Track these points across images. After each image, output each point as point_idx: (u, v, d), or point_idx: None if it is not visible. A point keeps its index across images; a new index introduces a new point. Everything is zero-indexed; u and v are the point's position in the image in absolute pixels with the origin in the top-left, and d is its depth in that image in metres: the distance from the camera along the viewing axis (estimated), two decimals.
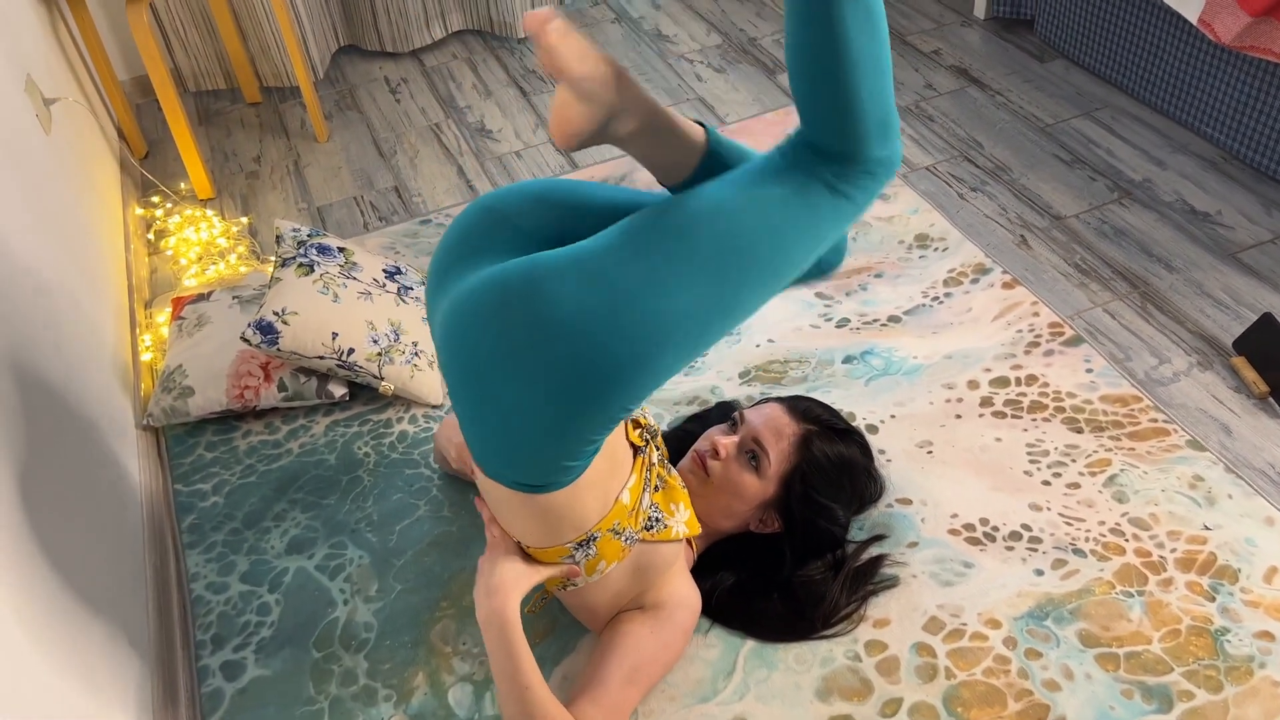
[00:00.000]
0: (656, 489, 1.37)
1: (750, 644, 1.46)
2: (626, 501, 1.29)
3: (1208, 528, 1.56)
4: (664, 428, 1.74)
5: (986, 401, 1.79)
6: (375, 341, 1.82)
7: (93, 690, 1.22)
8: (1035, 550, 1.55)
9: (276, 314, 1.78)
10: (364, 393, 1.91)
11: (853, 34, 1.04)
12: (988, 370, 1.85)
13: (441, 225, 2.35)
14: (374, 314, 1.86)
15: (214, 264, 2.28)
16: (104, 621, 1.33)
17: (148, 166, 2.65)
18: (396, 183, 2.54)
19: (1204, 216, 2.17)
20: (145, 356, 2.02)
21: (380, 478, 1.75)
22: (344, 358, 1.79)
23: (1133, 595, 1.48)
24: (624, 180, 2.43)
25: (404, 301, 1.93)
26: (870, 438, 1.72)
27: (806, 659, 1.43)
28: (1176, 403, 1.78)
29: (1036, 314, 1.95)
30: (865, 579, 1.50)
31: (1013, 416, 1.76)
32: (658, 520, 1.35)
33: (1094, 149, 2.39)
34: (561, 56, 1.04)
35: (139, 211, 2.45)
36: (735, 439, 1.48)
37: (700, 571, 1.47)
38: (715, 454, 1.46)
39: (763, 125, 2.59)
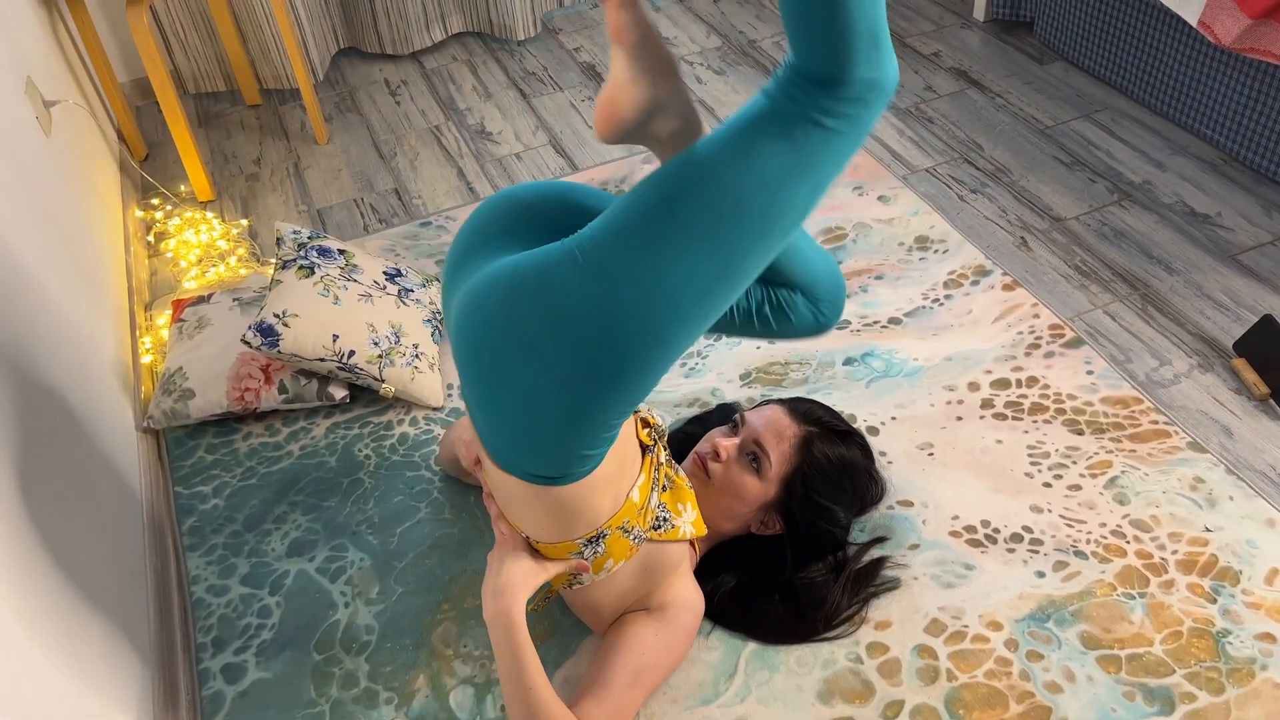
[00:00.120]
0: (664, 489, 1.38)
1: (752, 646, 1.46)
2: (636, 500, 1.30)
3: (1209, 529, 1.56)
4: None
5: (987, 403, 1.79)
6: (376, 344, 1.82)
7: (94, 692, 1.22)
8: (1036, 552, 1.55)
9: (277, 316, 1.78)
10: (364, 395, 1.91)
11: None
12: (988, 372, 1.85)
13: (442, 227, 2.35)
14: (375, 316, 1.86)
15: (214, 266, 2.28)
16: (105, 624, 1.33)
17: (148, 169, 2.65)
18: (396, 185, 2.54)
19: (1204, 218, 2.17)
20: (145, 359, 2.02)
21: (381, 480, 1.75)
22: (345, 360, 1.79)
23: (1134, 597, 1.48)
24: (624, 183, 2.43)
25: (405, 304, 1.93)
26: (871, 440, 1.72)
27: (808, 661, 1.43)
28: (1177, 404, 1.78)
29: (1037, 316, 1.95)
30: (866, 581, 1.50)
31: (1013, 418, 1.76)
32: (665, 520, 1.35)
33: (1094, 151, 2.40)
34: (630, 20, 1.02)
35: (139, 214, 2.45)
36: (736, 441, 1.48)
37: (701, 574, 1.47)
38: (716, 456, 1.47)
39: None
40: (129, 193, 2.49)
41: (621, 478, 1.27)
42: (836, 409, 1.62)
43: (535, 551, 1.31)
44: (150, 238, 2.40)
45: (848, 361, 1.90)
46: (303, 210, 2.48)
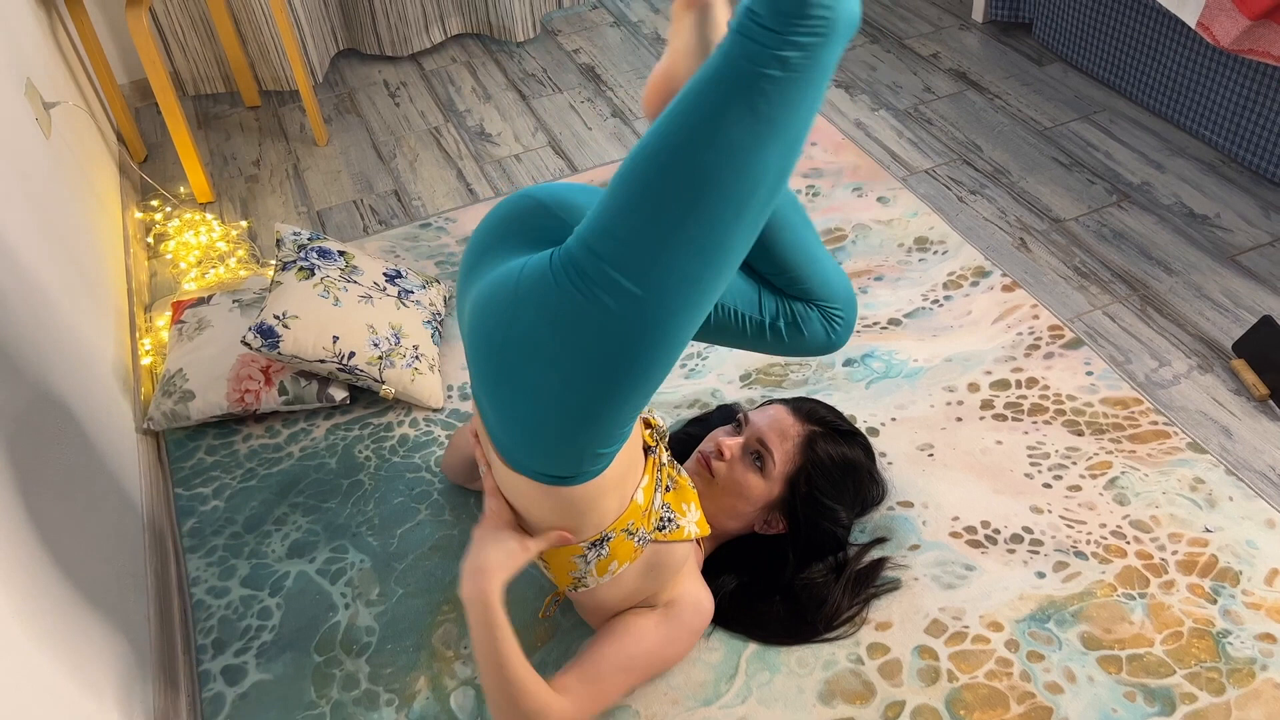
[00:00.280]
0: (668, 489, 1.38)
1: (752, 647, 1.46)
2: (640, 501, 1.30)
3: (1209, 530, 1.56)
4: None
5: (987, 404, 1.79)
6: (376, 345, 1.82)
7: (94, 694, 1.22)
8: (1037, 553, 1.55)
9: (277, 317, 1.78)
10: (365, 396, 1.91)
11: None
12: (988, 373, 1.85)
13: (441, 229, 2.35)
14: (375, 317, 1.86)
15: (214, 268, 2.28)
16: (105, 626, 1.33)
17: (147, 170, 2.65)
18: (396, 186, 2.54)
19: (1203, 219, 2.17)
20: (145, 360, 2.02)
21: (381, 481, 1.75)
22: (345, 361, 1.79)
23: (1134, 598, 1.48)
24: None
25: (405, 305, 1.93)
26: (871, 440, 1.71)
27: (809, 662, 1.43)
28: (1177, 405, 1.78)
29: (1036, 317, 1.96)
30: (867, 582, 1.50)
31: (1013, 419, 1.76)
32: (670, 520, 1.35)
33: (1093, 152, 2.40)
34: None
35: (138, 215, 2.45)
36: (740, 440, 1.48)
37: (703, 575, 1.47)
38: (720, 455, 1.47)
39: None
40: (128, 194, 2.49)
41: (628, 479, 1.28)
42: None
43: (523, 529, 1.30)
44: (150, 239, 2.40)
45: (848, 363, 1.90)
46: (302, 212, 2.47)
